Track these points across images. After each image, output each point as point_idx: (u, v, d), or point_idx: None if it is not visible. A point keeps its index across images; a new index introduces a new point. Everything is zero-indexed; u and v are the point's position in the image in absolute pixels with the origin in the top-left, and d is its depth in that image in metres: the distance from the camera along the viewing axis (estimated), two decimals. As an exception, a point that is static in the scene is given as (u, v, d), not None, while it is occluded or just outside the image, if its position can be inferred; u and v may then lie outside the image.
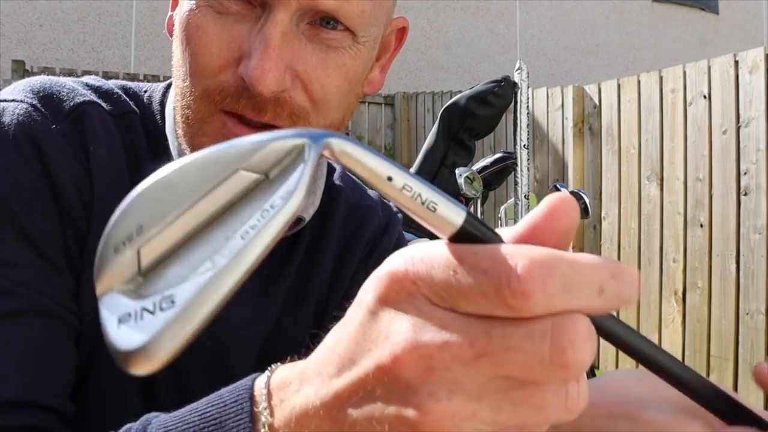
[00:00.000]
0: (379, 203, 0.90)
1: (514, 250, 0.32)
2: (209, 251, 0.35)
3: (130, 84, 0.78)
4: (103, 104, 0.70)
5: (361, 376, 0.34)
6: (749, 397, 3.45)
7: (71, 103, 0.68)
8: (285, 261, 0.78)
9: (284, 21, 0.60)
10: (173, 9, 0.72)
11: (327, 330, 0.78)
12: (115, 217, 0.36)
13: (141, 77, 5.76)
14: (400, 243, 0.88)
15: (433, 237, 0.34)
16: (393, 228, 0.88)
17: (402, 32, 0.76)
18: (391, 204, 0.92)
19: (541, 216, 0.33)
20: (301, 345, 0.78)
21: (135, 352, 0.34)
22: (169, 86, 0.78)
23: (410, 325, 0.33)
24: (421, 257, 0.34)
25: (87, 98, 0.69)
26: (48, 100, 0.67)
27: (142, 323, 0.35)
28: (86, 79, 0.75)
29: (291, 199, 0.34)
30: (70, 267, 0.65)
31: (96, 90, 0.72)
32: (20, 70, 5.47)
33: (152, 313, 0.35)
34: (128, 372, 0.34)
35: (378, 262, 0.83)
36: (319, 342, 0.82)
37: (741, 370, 3.53)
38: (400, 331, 0.33)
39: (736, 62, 3.59)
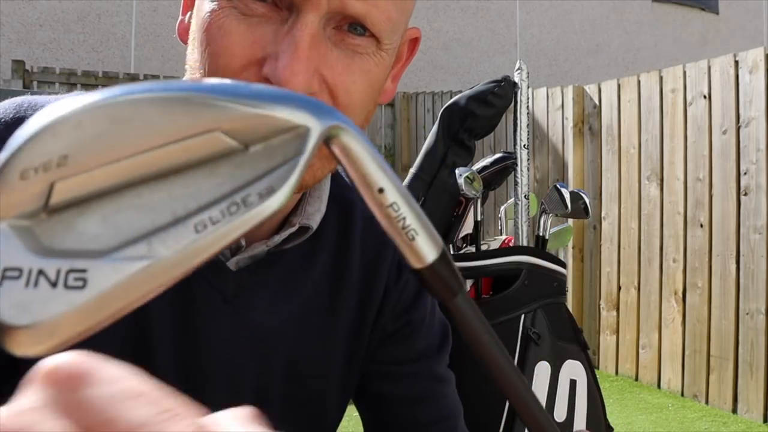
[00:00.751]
0: None
1: None
2: (146, 224, 0.28)
3: None
4: None
5: None
6: (749, 396, 3.45)
7: None
8: (300, 276, 0.75)
9: (314, 24, 0.59)
10: (184, 13, 0.70)
11: (360, 351, 0.79)
12: (33, 131, 0.27)
13: (141, 77, 5.77)
14: None
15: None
16: None
17: (414, 43, 0.75)
18: None
19: None
20: (331, 366, 0.77)
21: (17, 329, 0.27)
22: None
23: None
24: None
25: None
26: (19, 123, 0.64)
27: (36, 294, 0.27)
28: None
29: (270, 199, 0.29)
30: None
31: None
32: (20, 70, 5.48)
33: (53, 285, 0.27)
34: (2, 346, 0.27)
35: (408, 280, 0.80)
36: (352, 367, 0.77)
37: (741, 370, 3.54)
38: None
39: (736, 62, 3.60)
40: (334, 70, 0.61)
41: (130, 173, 0.28)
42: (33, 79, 5.55)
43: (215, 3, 0.61)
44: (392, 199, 0.31)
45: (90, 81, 5.72)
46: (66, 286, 0.27)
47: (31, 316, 0.26)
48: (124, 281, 0.27)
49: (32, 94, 4.73)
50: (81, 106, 0.27)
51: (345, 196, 0.82)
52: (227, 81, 0.30)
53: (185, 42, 0.67)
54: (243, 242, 0.69)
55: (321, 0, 0.59)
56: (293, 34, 0.58)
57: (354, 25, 0.61)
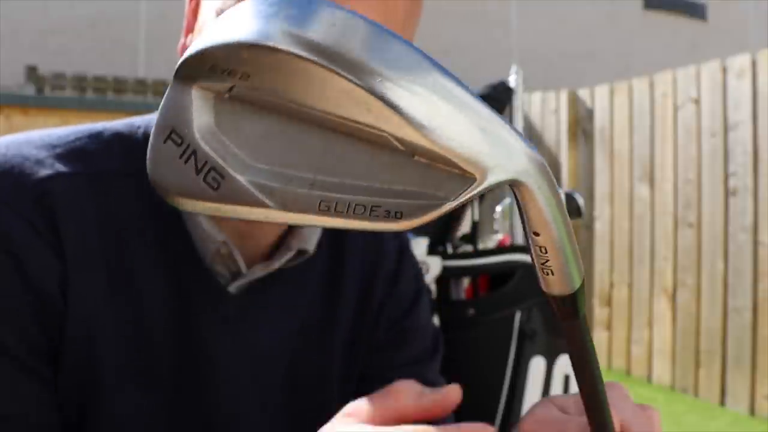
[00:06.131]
0: None
1: None
2: (291, 160, 0.29)
3: (121, 127, 0.68)
4: (73, 167, 0.63)
5: None
6: (736, 389, 3.54)
7: (34, 179, 0.61)
8: (296, 293, 0.73)
9: None
10: (186, 36, 0.67)
11: (357, 360, 0.77)
12: (237, 39, 0.28)
13: (149, 81, 5.84)
14: (416, 268, 0.86)
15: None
16: (408, 253, 0.85)
17: None
18: None
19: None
20: (330, 377, 0.76)
21: (162, 183, 0.31)
22: None
23: None
24: None
25: (50, 171, 0.62)
26: (7, 178, 0.60)
27: (183, 169, 0.31)
28: (70, 132, 0.66)
29: (389, 223, 0.30)
30: (48, 361, 0.61)
31: (68, 150, 0.64)
32: (33, 75, 5.55)
33: (197, 171, 0.30)
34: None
35: (403, 291, 0.83)
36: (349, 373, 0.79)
37: (728, 364, 3.59)
38: None
39: (724, 68, 3.64)
40: None
41: (301, 114, 0.29)
42: (45, 84, 5.63)
43: None
44: (543, 244, 0.32)
45: (100, 85, 5.80)
46: (204, 180, 0.30)
47: (176, 188, 0.31)
48: (243, 206, 0.30)
49: (45, 99, 4.73)
50: (296, 44, 0.27)
51: None
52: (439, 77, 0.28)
53: None
54: (243, 268, 0.67)
55: None
56: None
57: None
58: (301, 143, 0.30)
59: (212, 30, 0.29)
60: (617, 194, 4.34)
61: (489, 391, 2.22)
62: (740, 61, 3.59)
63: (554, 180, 0.32)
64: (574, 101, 4.71)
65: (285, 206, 0.30)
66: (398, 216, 0.29)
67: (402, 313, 0.82)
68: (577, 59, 9.43)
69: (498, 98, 2.80)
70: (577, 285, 0.34)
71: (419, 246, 2.36)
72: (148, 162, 0.32)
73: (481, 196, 2.73)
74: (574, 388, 2.42)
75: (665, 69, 4.11)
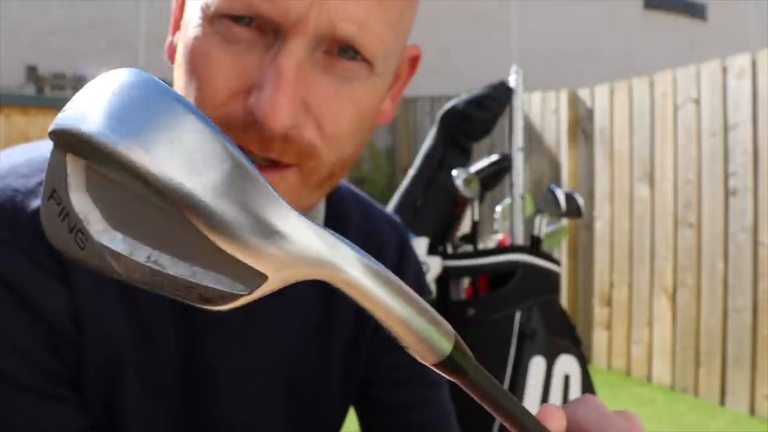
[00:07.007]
0: (387, 222, 0.85)
1: None
2: (138, 221, 0.32)
3: None
4: None
5: None
6: (736, 389, 3.55)
7: (28, 212, 0.60)
8: (296, 296, 0.72)
9: (299, 50, 0.54)
10: (173, 34, 0.66)
11: (358, 364, 0.79)
12: (86, 133, 0.31)
13: (149, 82, 5.84)
14: (416, 267, 0.85)
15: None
16: (408, 251, 0.85)
17: (414, 61, 0.70)
18: (399, 221, 0.88)
19: None
20: (329, 381, 0.77)
21: (53, 242, 0.34)
22: None
23: None
24: None
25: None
26: (0, 214, 0.60)
27: (58, 225, 0.33)
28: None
29: (205, 305, 0.33)
30: (70, 385, 0.62)
31: None
32: (33, 75, 5.56)
33: (70, 230, 0.33)
34: None
35: None
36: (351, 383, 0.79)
37: (729, 365, 3.59)
38: None
39: (724, 68, 3.64)
40: (321, 98, 0.57)
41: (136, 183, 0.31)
42: (45, 84, 5.63)
43: (199, 29, 0.57)
44: (383, 323, 0.34)
45: (100, 85, 5.80)
46: (75, 239, 0.33)
47: (56, 243, 0.34)
48: (101, 267, 0.33)
49: (45, 98, 4.72)
50: (120, 148, 0.30)
51: (341, 211, 0.79)
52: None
53: (173, 63, 0.63)
54: None
55: (308, 24, 0.54)
56: (277, 62, 0.54)
57: (345, 49, 0.57)
58: (145, 217, 0.32)
59: (69, 108, 0.32)
60: (617, 194, 4.34)
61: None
62: (740, 61, 3.59)
63: (370, 264, 0.32)
64: (574, 101, 4.72)
65: (128, 274, 0.32)
66: (207, 301, 0.32)
67: None
68: (577, 59, 9.43)
69: (498, 98, 2.79)
70: (447, 350, 0.34)
71: (419, 246, 2.36)
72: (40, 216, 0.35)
73: (481, 197, 2.73)
74: (574, 387, 2.42)
75: (665, 69, 4.11)
